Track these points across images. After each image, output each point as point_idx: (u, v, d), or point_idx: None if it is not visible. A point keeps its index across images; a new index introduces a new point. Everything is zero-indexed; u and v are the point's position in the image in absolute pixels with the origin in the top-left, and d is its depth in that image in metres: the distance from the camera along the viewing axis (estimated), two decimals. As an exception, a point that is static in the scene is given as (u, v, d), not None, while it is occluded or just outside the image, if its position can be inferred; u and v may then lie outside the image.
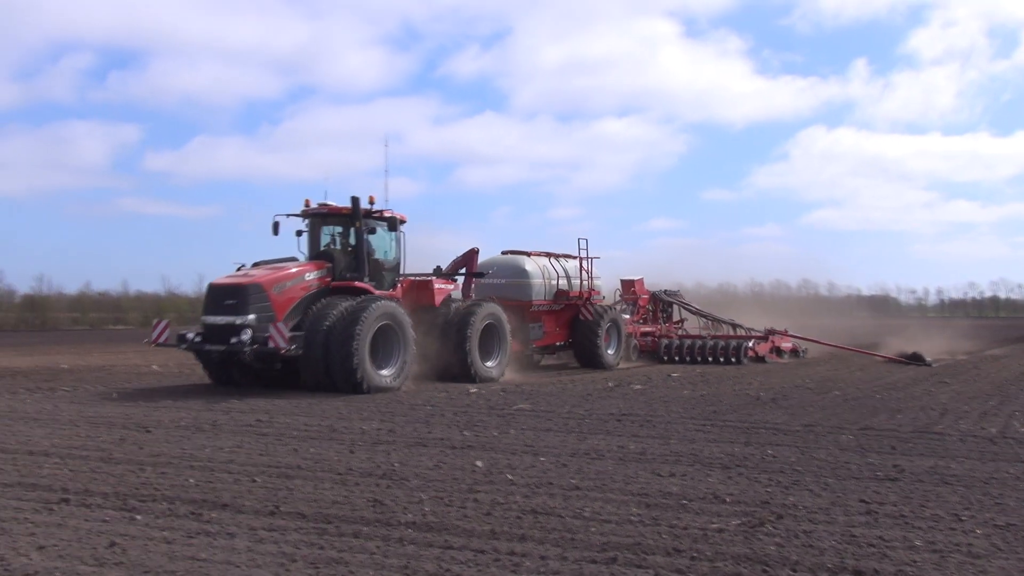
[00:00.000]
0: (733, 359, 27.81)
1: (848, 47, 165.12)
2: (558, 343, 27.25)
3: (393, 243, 21.12)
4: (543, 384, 20.95)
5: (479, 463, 10.26)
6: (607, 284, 30.45)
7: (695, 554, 6.55)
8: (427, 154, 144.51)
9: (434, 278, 22.05)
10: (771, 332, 30.46)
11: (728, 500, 8.37)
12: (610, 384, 20.78)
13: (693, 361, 28.07)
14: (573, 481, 9.21)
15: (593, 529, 7.26)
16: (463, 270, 25.01)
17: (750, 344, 28.66)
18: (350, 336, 17.73)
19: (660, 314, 31.96)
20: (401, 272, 21.19)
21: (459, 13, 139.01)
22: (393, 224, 20.86)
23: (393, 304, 19.15)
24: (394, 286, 20.77)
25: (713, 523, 7.49)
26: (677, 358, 28.52)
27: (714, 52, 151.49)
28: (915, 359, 27.86)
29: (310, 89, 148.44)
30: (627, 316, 29.74)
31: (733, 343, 28.63)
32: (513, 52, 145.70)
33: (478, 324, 21.20)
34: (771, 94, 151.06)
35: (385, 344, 18.84)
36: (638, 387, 20.08)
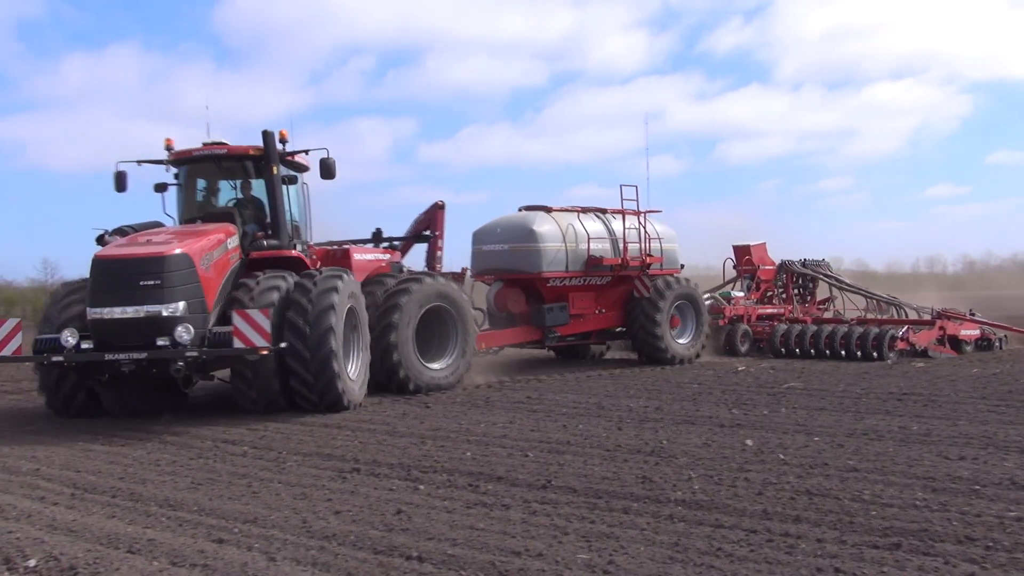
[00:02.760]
0: (874, 353, 20.25)
1: None
2: (616, 327, 20.76)
3: (295, 198, 14.81)
4: (811, 362, 20.11)
5: (749, 442, 10.04)
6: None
7: (990, 543, 6.07)
8: (689, 131, 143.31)
9: (352, 247, 16.13)
10: (942, 315, 22.17)
11: (1028, 487, 7.68)
12: (888, 361, 19.67)
13: (820, 355, 20.83)
14: (850, 462, 8.80)
15: (874, 513, 6.90)
16: (429, 233, 18.94)
17: (900, 333, 20.86)
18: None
19: (794, 292, 25.06)
20: (307, 237, 15.19)
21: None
22: (297, 172, 14.62)
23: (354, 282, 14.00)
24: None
25: (1011, 511, 6.89)
26: (798, 350, 21.21)
27: (1004, 2, 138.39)
28: None
29: (573, 74, 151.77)
30: (739, 294, 23.90)
31: (874, 330, 20.74)
32: (775, 22, 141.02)
33: (409, 310, 14.96)
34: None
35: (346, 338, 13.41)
36: (920, 365, 18.90)
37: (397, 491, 8.03)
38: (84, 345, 11.86)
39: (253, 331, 11.67)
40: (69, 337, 11.77)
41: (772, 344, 21.77)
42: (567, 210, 19.88)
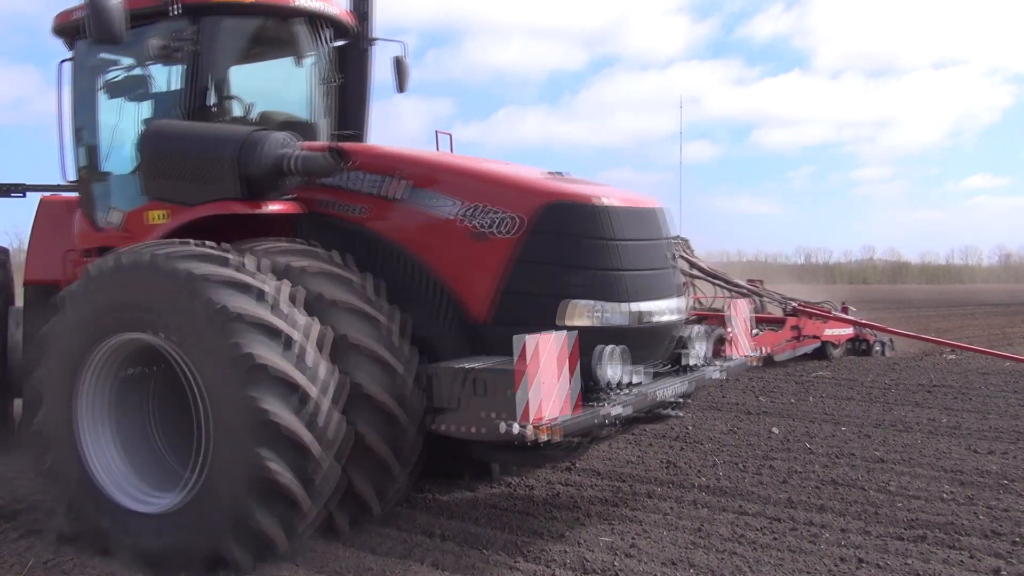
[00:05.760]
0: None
1: None
2: None
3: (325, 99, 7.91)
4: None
5: (775, 430, 9.99)
6: None
7: (1017, 539, 6.01)
8: (725, 117, 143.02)
9: None
10: (799, 311, 17.11)
11: (1058, 483, 7.59)
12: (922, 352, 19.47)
13: None
14: (877, 453, 8.74)
15: (899, 504, 6.86)
16: None
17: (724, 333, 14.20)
18: None
19: None
20: None
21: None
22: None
23: None
24: None
25: (1039, 506, 6.83)
26: None
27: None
28: None
29: (612, 59, 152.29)
30: None
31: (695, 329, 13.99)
32: (816, 9, 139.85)
33: None
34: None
35: None
36: (951, 357, 18.68)
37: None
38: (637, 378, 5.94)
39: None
40: (613, 372, 5.71)
41: None
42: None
